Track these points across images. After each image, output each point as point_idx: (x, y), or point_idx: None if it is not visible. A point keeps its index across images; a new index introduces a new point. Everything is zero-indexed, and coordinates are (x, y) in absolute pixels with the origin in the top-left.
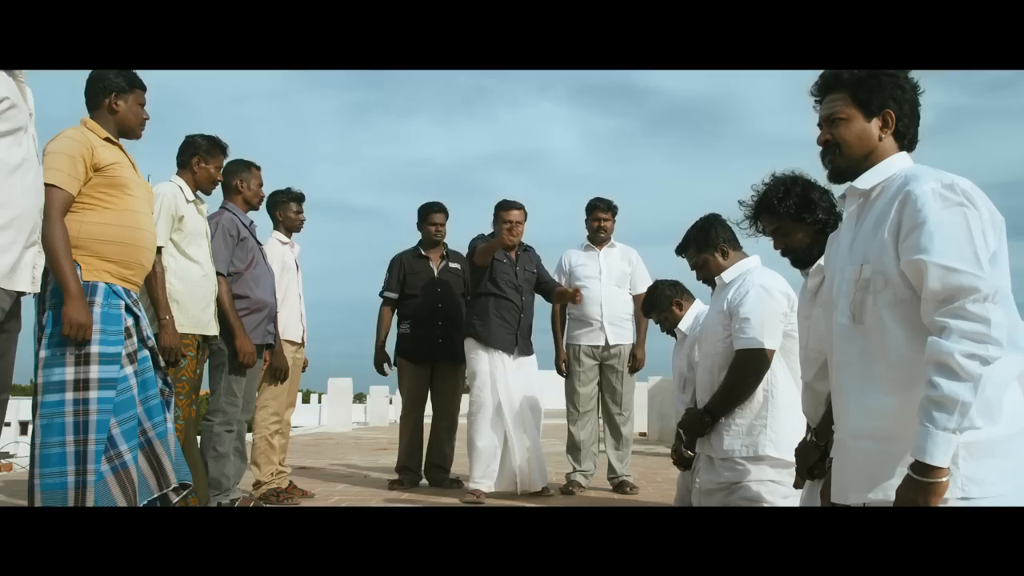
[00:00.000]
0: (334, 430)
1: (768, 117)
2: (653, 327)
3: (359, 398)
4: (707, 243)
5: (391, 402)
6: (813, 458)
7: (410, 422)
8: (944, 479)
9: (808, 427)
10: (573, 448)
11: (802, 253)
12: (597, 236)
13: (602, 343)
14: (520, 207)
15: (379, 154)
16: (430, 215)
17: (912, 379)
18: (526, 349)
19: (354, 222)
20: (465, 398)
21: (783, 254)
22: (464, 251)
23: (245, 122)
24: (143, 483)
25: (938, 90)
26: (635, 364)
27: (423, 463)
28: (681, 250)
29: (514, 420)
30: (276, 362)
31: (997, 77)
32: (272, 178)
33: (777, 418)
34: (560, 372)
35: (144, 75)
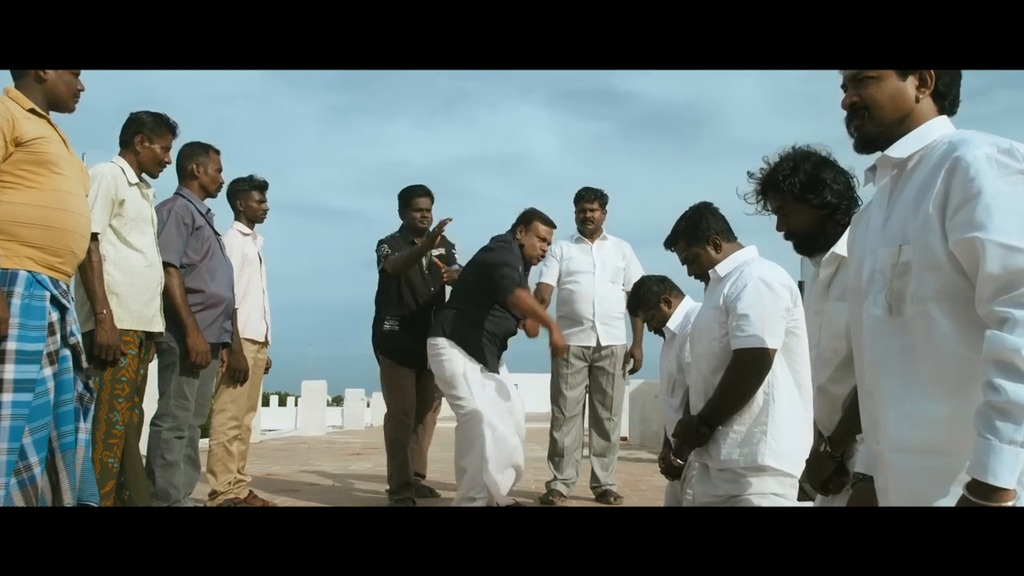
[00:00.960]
0: (308, 434)
1: (746, 122)
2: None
3: (336, 401)
4: (698, 235)
5: (368, 405)
6: (828, 471)
7: (406, 433)
8: (1009, 502)
9: (819, 435)
10: (555, 454)
11: (804, 238)
12: (585, 228)
13: (593, 344)
14: (554, 226)
15: (359, 156)
16: (414, 200)
17: (966, 381)
18: (498, 365)
19: (333, 225)
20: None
21: (786, 237)
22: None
23: (224, 123)
24: (41, 499)
25: None
26: (634, 365)
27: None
28: (670, 244)
29: (499, 427)
30: (234, 363)
31: (971, 84)
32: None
33: (777, 425)
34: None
35: (119, 75)
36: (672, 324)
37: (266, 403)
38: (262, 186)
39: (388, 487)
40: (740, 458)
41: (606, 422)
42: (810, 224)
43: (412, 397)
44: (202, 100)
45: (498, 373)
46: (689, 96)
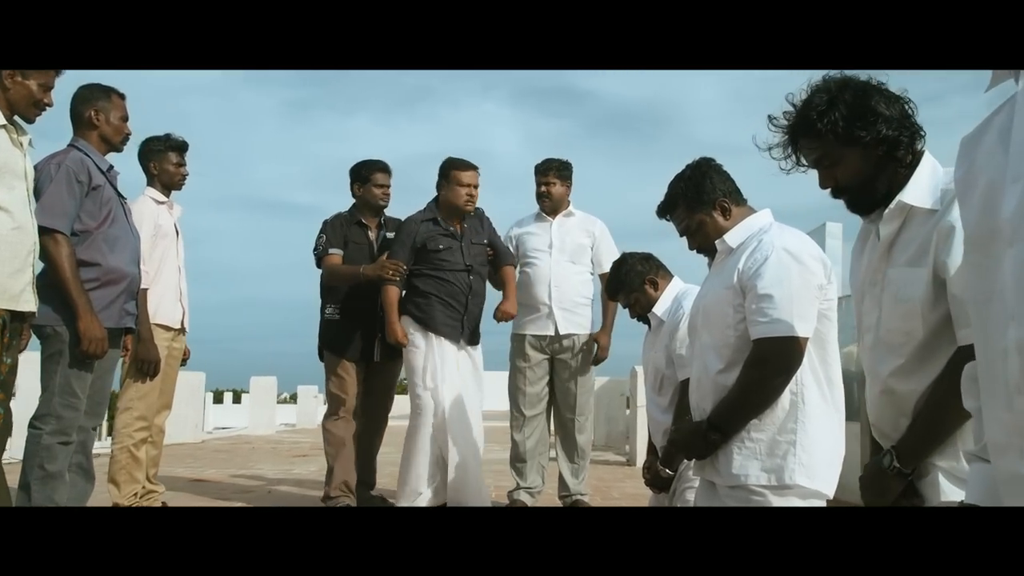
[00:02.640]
0: (256, 433)
1: (706, 122)
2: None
3: (293, 398)
4: (701, 198)
5: (324, 402)
6: (894, 492)
7: (350, 434)
8: None
9: (874, 445)
10: (517, 459)
11: (861, 188)
12: (543, 203)
13: (551, 332)
14: (476, 168)
15: (320, 152)
16: (374, 174)
17: None
18: (473, 338)
19: (293, 220)
20: (398, 400)
21: (834, 194)
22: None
23: (182, 118)
24: None
25: None
26: (598, 353)
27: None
28: (666, 210)
29: (456, 426)
30: (143, 352)
31: (926, 89)
32: (212, 175)
33: (808, 433)
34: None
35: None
36: (659, 309)
37: (219, 400)
38: (181, 147)
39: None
40: (761, 474)
41: (570, 423)
42: (865, 168)
43: (354, 393)
44: (160, 93)
45: (470, 344)
46: (649, 95)
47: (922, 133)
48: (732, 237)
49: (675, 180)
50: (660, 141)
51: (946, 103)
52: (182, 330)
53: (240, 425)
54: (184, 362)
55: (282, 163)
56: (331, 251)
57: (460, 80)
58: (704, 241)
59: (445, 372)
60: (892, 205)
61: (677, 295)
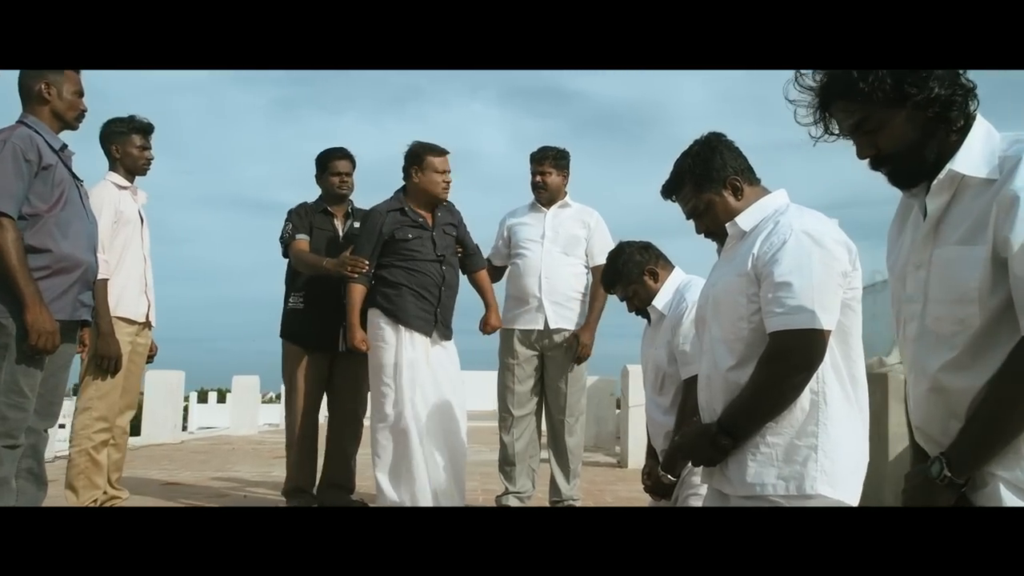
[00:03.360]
0: (238, 433)
1: (693, 122)
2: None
3: (279, 398)
4: (710, 176)
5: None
6: (944, 505)
7: (303, 429)
8: None
9: (917, 451)
10: (505, 463)
11: (908, 155)
12: (538, 193)
13: (540, 327)
14: (447, 152)
15: (307, 151)
16: (332, 162)
17: None
18: (447, 332)
19: (279, 219)
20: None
21: (874, 164)
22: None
23: (169, 116)
24: None
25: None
26: (580, 351)
27: (317, 481)
28: (672, 190)
29: (429, 426)
30: (102, 348)
31: None
32: (199, 173)
33: (831, 437)
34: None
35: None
36: (659, 302)
37: (204, 399)
38: (145, 128)
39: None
40: (779, 482)
41: (560, 424)
42: (913, 133)
43: (318, 388)
44: (147, 91)
45: (443, 339)
46: (636, 95)
47: (975, 93)
48: (745, 219)
49: (682, 156)
50: (647, 141)
51: None
52: (147, 324)
53: (224, 425)
54: (151, 359)
55: (269, 162)
56: (297, 236)
57: (449, 80)
58: (713, 224)
59: (417, 371)
60: (942, 175)
61: (679, 287)
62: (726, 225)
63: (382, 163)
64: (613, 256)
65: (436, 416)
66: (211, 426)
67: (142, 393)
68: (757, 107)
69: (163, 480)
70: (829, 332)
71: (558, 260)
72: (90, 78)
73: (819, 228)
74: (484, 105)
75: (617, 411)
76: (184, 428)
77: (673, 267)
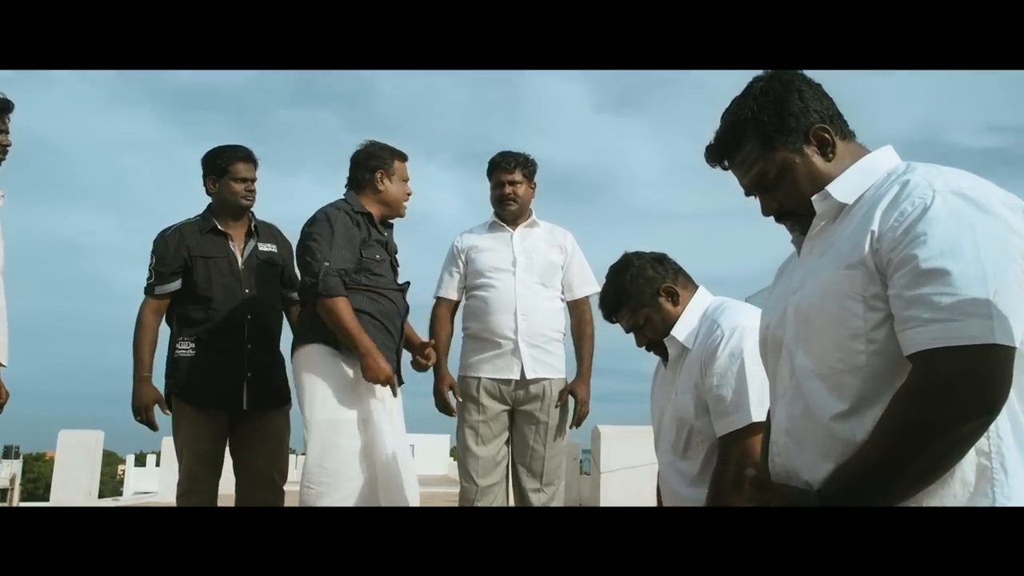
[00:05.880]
0: (167, 499)
1: (645, 189)
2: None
3: None
4: (784, 127)
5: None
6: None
7: (199, 503)
8: None
9: None
10: None
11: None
12: (505, 209)
13: (516, 376)
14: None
15: (258, 211)
16: (234, 164)
17: None
18: (399, 376)
19: None
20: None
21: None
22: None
23: (119, 172)
24: None
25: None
26: (578, 410)
27: None
28: (725, 149)
29: (383, 496)
30: None
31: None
32: (149, 229)
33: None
34: (443, 406)
35: None
36: (681, 332)
37: (142, 462)
38: (2, 106)
39: None
40: None
41: (533, 495)
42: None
43: (213, 454)
44: (93, 147)
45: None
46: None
47: None
48: (842, 187)
49: (739, 101)
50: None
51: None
52: None
53: (153, 489)
54: (0, 407)
55: None
56: (156, 290)
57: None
58: (792, 196)
59: (372, 425)
60: None
61: (706, 311)
62: (813, 199)
63: None
64: (618, 271)
65: (391, 485)
66: (149, 491)
67: (52, 455)
68: (708, 175)
69: None
70: (1014, 350)
71: (535, 293)
72: (41, 133)
73: (978, 187)
74: (438, 168)
75: (582, 476)
76: (120, 493)
77: (696, 286)
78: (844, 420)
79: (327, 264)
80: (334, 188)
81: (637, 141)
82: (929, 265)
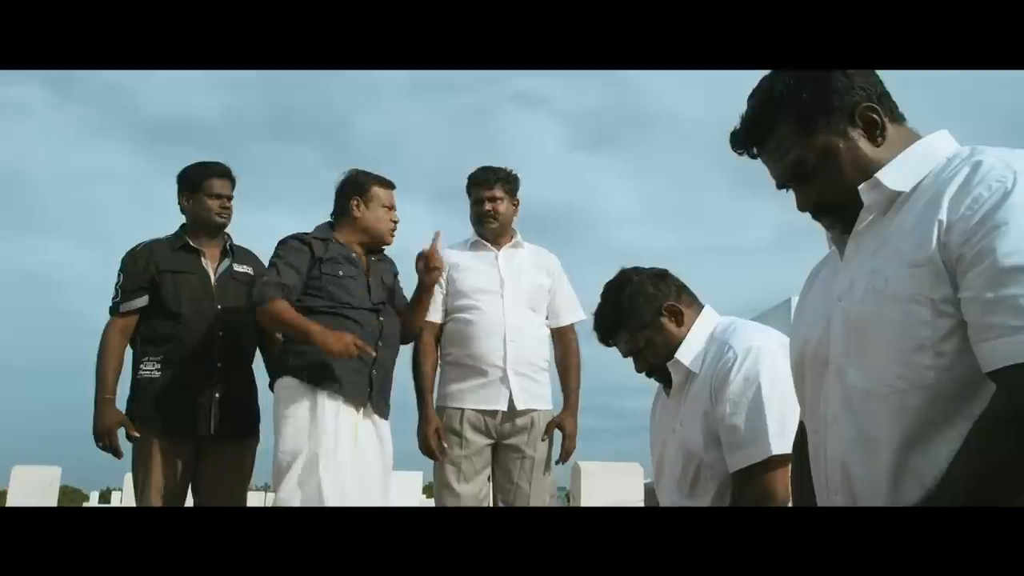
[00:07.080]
0: None
1: (622, 227)
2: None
3: None
4: (827, 107)
5: None
6: None
7: None
8: None
9: None
10: None
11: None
12: (486, 226)
13: (503, 407)
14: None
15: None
16: (209, 180)
17: None
18: (381, 407)
19: None
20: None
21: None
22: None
23: (93, 205)
24: None
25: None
26: (566, 445)
27: None
28: (758, 134)
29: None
30: None
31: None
32: (116, 264)
33: None
34: (427, 450)
35: None
36: (686, 355)
37: (106, 499)
38: None
39: None
40: None
41: None
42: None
43: (177, 491)
44: (67, 178)
45: (377, 414)
46: (564, 200)
47: None
48: (895, 174)
49: (771, 79)
50: (577, 245)
51: None
52: None
53: None
54: None
55: None
56: (122, 307)
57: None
58: (834, 192)
59: (336, 460)
60: None
61: (714, 332)
62: (860, 188)
63: None
64: (615, 288)
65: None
66: None
67: (5, 491)
68: (681, 213)
69: None
70: None
71: (525, 318)
72: (14, 164)
73: None
74: (413, 205)
75: None
76: None
77: (702, 305)
78: (911, 452)
79: (264, 278)
80: (310, 223)
81: (613, 177)
82: (1013, 261)
